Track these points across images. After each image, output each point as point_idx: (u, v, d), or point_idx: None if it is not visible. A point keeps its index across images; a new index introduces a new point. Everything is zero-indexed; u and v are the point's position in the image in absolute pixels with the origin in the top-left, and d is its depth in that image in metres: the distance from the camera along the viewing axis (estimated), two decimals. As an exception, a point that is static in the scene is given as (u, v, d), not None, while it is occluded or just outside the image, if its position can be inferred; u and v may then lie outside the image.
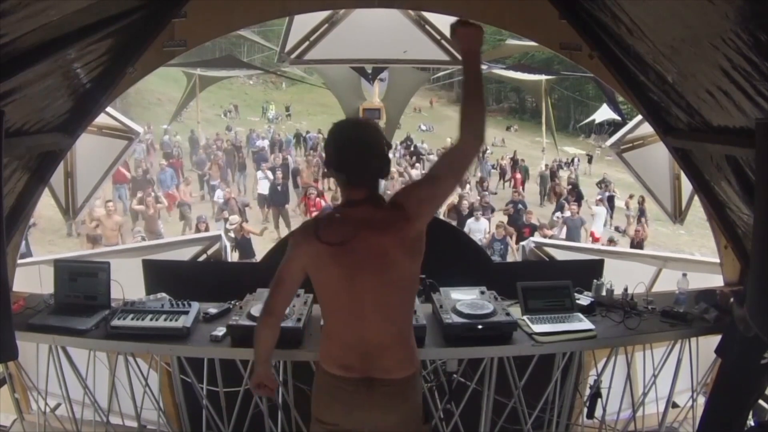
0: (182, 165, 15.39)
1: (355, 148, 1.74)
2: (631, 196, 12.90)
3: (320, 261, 1.76)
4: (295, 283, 1.86)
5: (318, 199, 11.02)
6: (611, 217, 12.43)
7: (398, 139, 18.60)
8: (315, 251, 1.75)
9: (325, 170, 1.84)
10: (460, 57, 1.81)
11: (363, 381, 1.79)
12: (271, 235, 10.43)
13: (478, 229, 9.50)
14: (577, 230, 10.17)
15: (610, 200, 13.19)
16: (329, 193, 13.55)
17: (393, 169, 14.32)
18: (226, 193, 11.59)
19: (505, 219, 11.15)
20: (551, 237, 9.27)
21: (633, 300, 2.94)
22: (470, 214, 10.14)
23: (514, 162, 18.13)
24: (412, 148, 20.07)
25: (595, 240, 10.48)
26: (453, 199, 10.86)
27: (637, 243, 9.92)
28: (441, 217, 9.49)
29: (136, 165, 13.51)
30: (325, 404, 1.87)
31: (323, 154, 1.95)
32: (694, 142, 2.85)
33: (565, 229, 10.14)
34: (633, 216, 12.17)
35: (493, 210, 11.70)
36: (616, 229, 12.41)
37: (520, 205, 11.33)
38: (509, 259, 8.86)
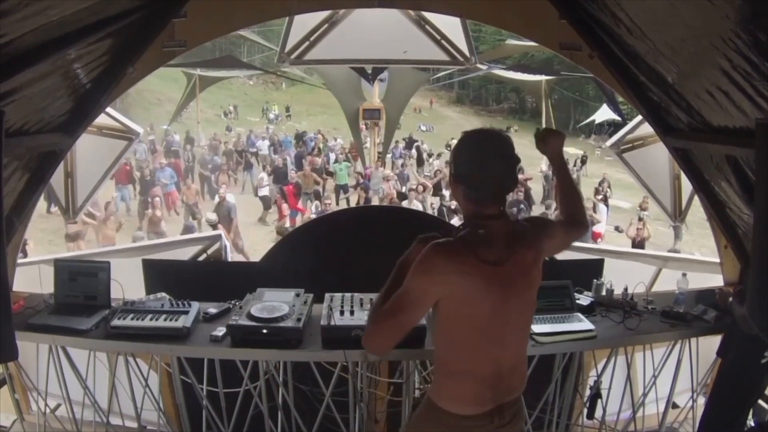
0: (183, 165, 15.38)
1: (494, 165, 1.61)
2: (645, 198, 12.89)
3: (476, 285, 1.57)
4: (420, 315, 1.65)
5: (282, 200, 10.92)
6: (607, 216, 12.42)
7: (398, 138, 18.56)
8: (476, 274, 1.56)
9: (451, 184, 1.72)
10: (548, 158, 1.97)
11: (495, 411, 1.67)
12: (270, 236, 10.44)
13: None
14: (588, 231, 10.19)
15: (605, 200, 13.21)
16: (327, 193, 13.56)
17: (388, 171, 14.40)
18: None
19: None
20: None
21: (633, 300, 2.94)
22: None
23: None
24: (413, 150, 20.06)
25: (597, 237, 10.56)
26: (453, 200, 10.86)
27: (639, 243, 9.92)
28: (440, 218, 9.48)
29: (138, 166, 13.53)
30: None
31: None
32: (694, 142, 2.85)
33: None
34: (644, 218, 12.19)
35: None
36: (616, 228, 12.41)
37: (522, 205, 11.34)
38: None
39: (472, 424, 1.66)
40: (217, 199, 11.07)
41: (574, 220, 1.88)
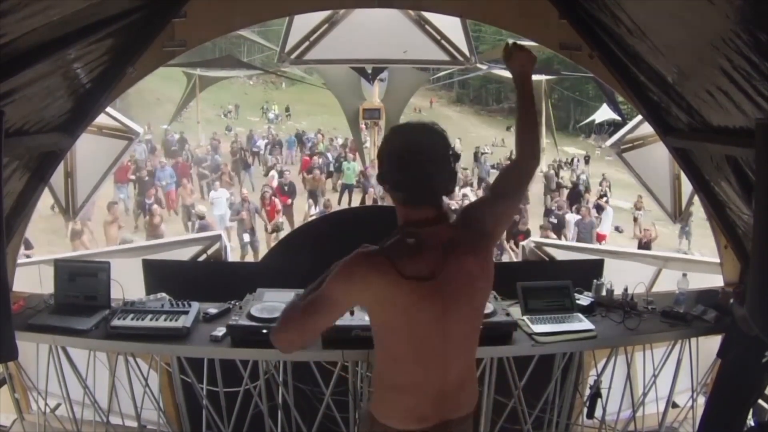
0: (183, 165, 15.38)
1: (417, 162, 1.44)
2: (640, 197, 12.91)
3: (403, 300, 1.44)
4: (330, 322, 1.56)
5: (274, 198, 10.91)
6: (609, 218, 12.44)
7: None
8: (401, 291, 1.43)
9: (381, 186, 1.55)
10: (513, 77, 1.72)
11: (438, 428, 1.54)
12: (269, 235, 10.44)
13: None
14: (588, 233, 10.19)
15: (606, 201, 13.24)
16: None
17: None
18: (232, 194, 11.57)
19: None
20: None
21: (633, 300, 2.94)
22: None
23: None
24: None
25: (601, 238, 10.56)
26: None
27: (645, 243, 9.94)
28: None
29: (137, 165, 13.52)
30: None
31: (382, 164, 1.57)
32: (694, 142, 2.85)
33: (575, 231, 10.16)
34: (638, 217, 12.22)
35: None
36: (616, 228, 12.43)
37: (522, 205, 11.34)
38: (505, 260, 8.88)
39: None
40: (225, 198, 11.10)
41: (527, 153, 1.66)
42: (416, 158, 1.45)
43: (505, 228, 1.66)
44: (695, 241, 11.81)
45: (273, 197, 10.78)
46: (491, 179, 16.07)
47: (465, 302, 1.51)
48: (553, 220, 10.85)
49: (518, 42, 1.77)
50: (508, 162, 2.00)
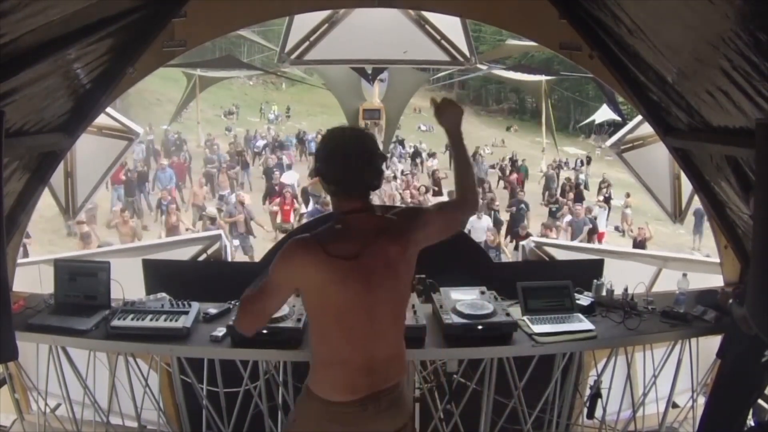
0: (181, 166, 15.34)
1: (351, 160, 1.67)
2: (628, 195, 12.96)
3: (333, 279, 1.63)
4: (279, 305, 1.81)
5: (294, 199, 10.91)
6: (607, 218, 12.44)
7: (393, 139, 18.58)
8: (327, 269, 1.62)
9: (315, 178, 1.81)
10: (444, 130, 1.94)
11: (369, 398, 1.71)
12: (270, 234, 10.43)
13: (480, 227, 9.52)
14: (581, 231, 10.22)
15: (607, 201, 13.26)
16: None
17: (389, 172, 14.40)
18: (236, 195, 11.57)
19: (506, 218, 11.19)
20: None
21: (633, 300, 2.94)
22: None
23: (513, 162, 18.15)
24: (408, 149, 20.08)
25: (600, 237, 10.58)
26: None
27: (640, 242, 9.94)
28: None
29: (133, 166, 13.51)
30: (321, 429, 1.74)
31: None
32: (694, 142, 2.85)
33: (570, 231, 10.17)
34: (628, 214, 12.25)
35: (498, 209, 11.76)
36: (616, 228, 12.43)
37: (522, 205, 11.35)
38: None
39: (343, 410, 1.70)
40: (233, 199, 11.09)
41: (465, 197, 1.89)
42: (347, 156, 1.68)
43: (431, 235, 1.84)
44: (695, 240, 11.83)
45: (294, 198, 10.83)
46: (491, 179, 16.15)
47: (387, 283, 1.69)
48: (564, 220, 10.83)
49: (446, 98, 2.02)
50: (453, 197, 2.16)
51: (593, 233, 10.45)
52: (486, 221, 9.90)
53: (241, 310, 1.74)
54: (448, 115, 1.94)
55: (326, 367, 1.73)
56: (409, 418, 1.86)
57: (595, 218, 11.24)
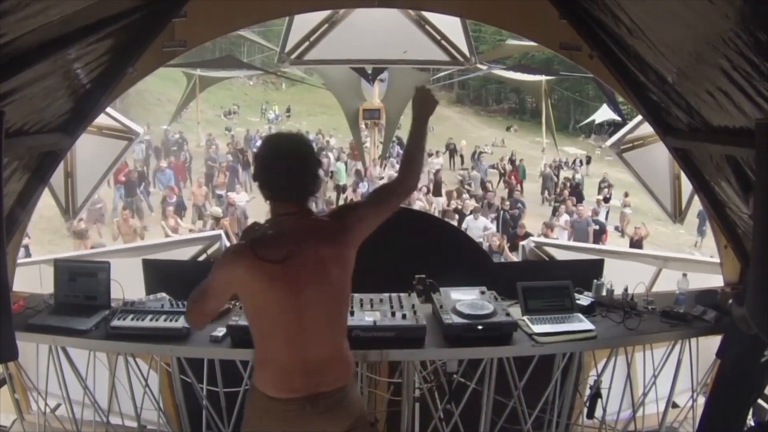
0: (180, 166, 15.33)
1: (282, 166, 1.71)
2: (626, 194, 12.97)
3: (263, 281, 1.67)
4: (221, 306, 1.86)
5: None
6: (606, 218, 12.46)
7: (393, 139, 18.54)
8: (257, 272, 1.67)
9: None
10: (413, 115, 2.00)
11: (307, 399, 1.74)
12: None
13: (477, 227, 9.52)
14: (584, 232, 10.21)
15: (606, 201, 13.28)
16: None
17: (392, 172, 14.38)
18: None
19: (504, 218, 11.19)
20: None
21: (633, 300, 2.94)
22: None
23: (512, 162, 18.16)
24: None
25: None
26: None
27: (637, 241, 9.94)
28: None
29: (134, 166, 13.51)
30: (264, 426, 1.79)
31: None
32: (694, 142, 2.85)
33: (571, 231, 10.18)
34: (626, 214, 12.25)
35: (496, 208, 11.77)
36: (616, 228, 12.43)
37: (519, 204, 11.36)
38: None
39: (283, 407, 1.74)
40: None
41: (406, 181, 1.91)
42: (279, 161, 1.72)
43: (368, 230, 1.85)
44: (695, 240, 11.83)
45: None
46: (489, 179, 16.15)
47: (317, 285, 1.70)
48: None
49: (427, 88, 2.04)
50: (392, 180, 2.19)
51: (601, 234, 10.45)
52: (482, 221, 9.90)
53: (188, 308, 1.84)
54: (424, 105, 1.99)
55: (264, 365, 1.78)
56: (356, 419, 1.85)
57: (600, 219, 11.25)
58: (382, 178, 13.13)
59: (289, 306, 1.69)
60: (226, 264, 1.74)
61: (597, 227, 10.50)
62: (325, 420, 1.77)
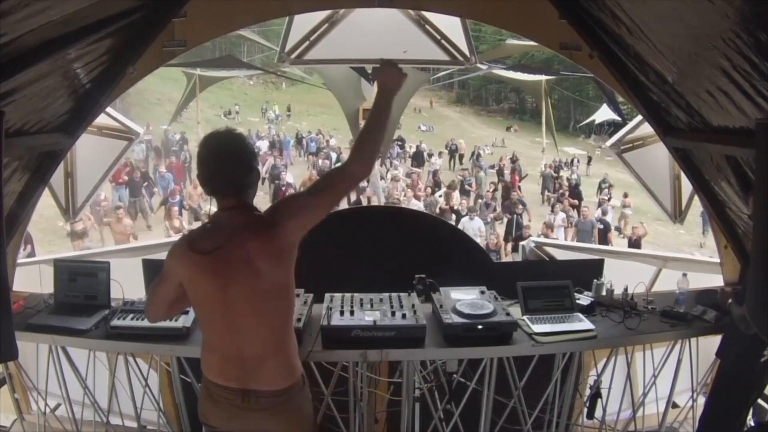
0: (179, 167, 15.29)
1: (216, 162, 1.75)
2: (626, 195, 12.98)
3: (194, 272, 1.75)
4: (169, 295, 1.87)
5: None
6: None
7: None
8: (188, 263, 1.75)
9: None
10: (377, 90, 1.88)
11: (241, 392, 1.79)
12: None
13: (472, 228, 9.54)
14: (588, 233, 10.21)
15: (608, 200, 13.28)
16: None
17: (397, 172, 14.39)
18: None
19: (504, 219, 11.21)
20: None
21: (633, 300, 2.94)
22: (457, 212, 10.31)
23: (513, 162, 18.17)
24: (409, 149, 20.07)
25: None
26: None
27: (635, 241, 9.96)
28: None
29: (132, 167, 13.50)
30: (209, 409, 1.88)
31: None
32: (694, 142, 2.85)
33: (574, 231, 10.19)
34: (626, 215, 12.27)
35: (494, 209, 11.78)
36: (616, 228, 12.43)
37: (520, 205, 11.37)
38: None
39: (222, 392, 1.82)
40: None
41: (361, 158, 1.80)
42: (211, 159, 1.76)
43: (310, 221, 1.80)
44: (695, 240, 11.83)
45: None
46: (490, 179, 16.17)
47: (244, 280, 1.72)
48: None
49: (391, 60, 1.91)
50: (342, 162, 2.03)
51: (606, 232, 10.46)
52: (478, 222, 9.91)
53: (147, 297, 1.96)
54: (388, 77, 1.87)
55: (205, 350, 1.88)
56: (303, 430, 1.89)
57: (606, 219, 11.27)
58: (383, 178, 13.14)
59: (218, 298, 1.74)
60: (170, 254, 1.82)
61: (602, 226, 10.53)
62: (260, 417, 1.81)
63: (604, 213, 11.48)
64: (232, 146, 1.78)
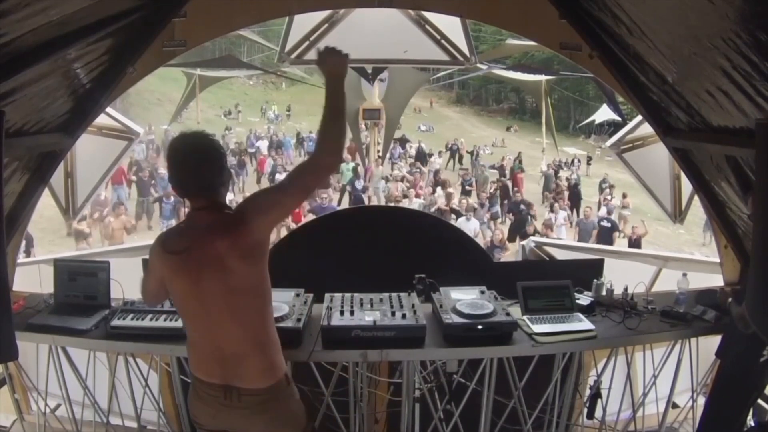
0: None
1: (184, 164, 1.78)
2: (624, 195, 13.00)
3: (167, 271, 1.80)
4: (155, 286, 1.92)
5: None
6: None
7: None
8: (163, 261, 1.80)
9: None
10: (324, 79, 1.88)
11: (223, 388, 1.82)
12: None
13: (468, 229, 9.55)
14: (589, 233, 10.22)
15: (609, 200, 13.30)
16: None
17: (397, 172, 14.38)
18: None
19: (505, 218, 11.23)
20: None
21: (633, 300, 2.94)
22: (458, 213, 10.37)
23: (519, 162, 18.18)
24: (411, 150, 20.06)
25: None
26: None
27: (635, 241, 9.96)
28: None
29: (140, 166, 13.52)
30: (196, 407, 1.92)
31: None
32: (694, 142, 2.85)
33: (576, 230, 10.21)
34: (625, 215, 12.29)
35: (489, 208, 11.81)
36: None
37: (522, 206, 11.39)
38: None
39: (207, 389, 1.85)
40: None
41: (326, 147, 1.81)
42: (179, 161, 1.79)
43: (279, 217, 1.86)
44: (695, 241, 11.83)
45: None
46: (490, 179, 16.16)
47: (216, 278, 1.74)
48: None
49: (331, 47, 1.90)
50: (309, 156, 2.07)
51: (612, 231, 10.46)
52: (474, 223, 9.92)
53: (141, 285, 2.02)
54: (330, 62, 1.87)
55: (189, 346, 1.91)
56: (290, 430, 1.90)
57: (612, 218, 11.29)
58: (387, 179, 13.14)
59: (193, 296, 1.78)
60: (149, 252, 1.88)
61: (609, 225, 10.59)
62: (243, 415, 1.82)
63: (610, 212, 11.48)
64: (199, 148, 1.80)
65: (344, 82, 1.89)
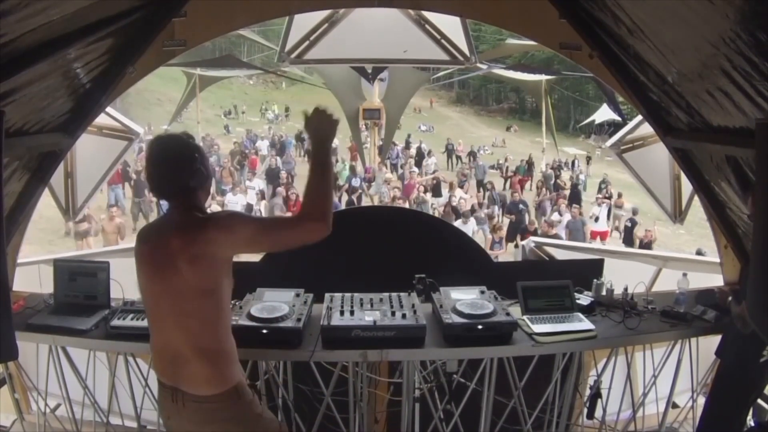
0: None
1: (158, 166, 1.83)
2: (620, 195, 13.03)
3: (137, 263, 1.87)
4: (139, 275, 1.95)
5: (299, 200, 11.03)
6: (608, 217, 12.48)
7: (397, 139, 18.55)
8: (135, 251, 1.88)
9: None
10: (311, 146, 1.85)
11: (172, 390, 1.83)
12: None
13: (466, 231, 9.56)
14: (579, 232, 10.32)
15: (608, 199, 13.33)
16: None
17: (392, 174, 14.39)
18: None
19: (507, 219, 11.24)
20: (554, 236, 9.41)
21: (633, 300, 2.94)
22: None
23: (529, 165, 18.19)
24: (413, 150, 20.07)
25: (603, 236, 10.91)
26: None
27: (646, 244, 10.04)
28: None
29: (134, 166, 13.51)
30: (159, 405, 1.96)
31: None
32: (694, 142, 2.84)
33: (566, 232, 10.25)
34: (620, 216, 12.34)
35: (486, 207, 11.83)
36: (616, 228, 12.43)
37: (521, 206, 11.39)
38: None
39: (161, 388, 1.90)
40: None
41: (302, 223, 1.75)
42: (153, 163, 1.84)
43: (232, 240, 1.75)
44: (695, 241, 11.82)
45: (298, 198, 10.89)
46: (489, 179, 16.16)
47: (166, 276, 1.77)
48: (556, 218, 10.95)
49: (319, 107, 1.83)
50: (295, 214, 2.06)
51: (634, 227, 10.79)
52: (471, 226, 9.93)
53: None
54: (320, 126, 1.82)
55: (150, 342, 1.93)
56: None
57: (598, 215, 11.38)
58: (387, 181, 13.13)
59: (147, 291, 1.85)
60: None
61: (630, 224, 10.91)
62: (190, 421, 1.83)
63: (596, 217, 11.59)
64: (172, 151, 1.83)
65: (331, 149, 1.85)
